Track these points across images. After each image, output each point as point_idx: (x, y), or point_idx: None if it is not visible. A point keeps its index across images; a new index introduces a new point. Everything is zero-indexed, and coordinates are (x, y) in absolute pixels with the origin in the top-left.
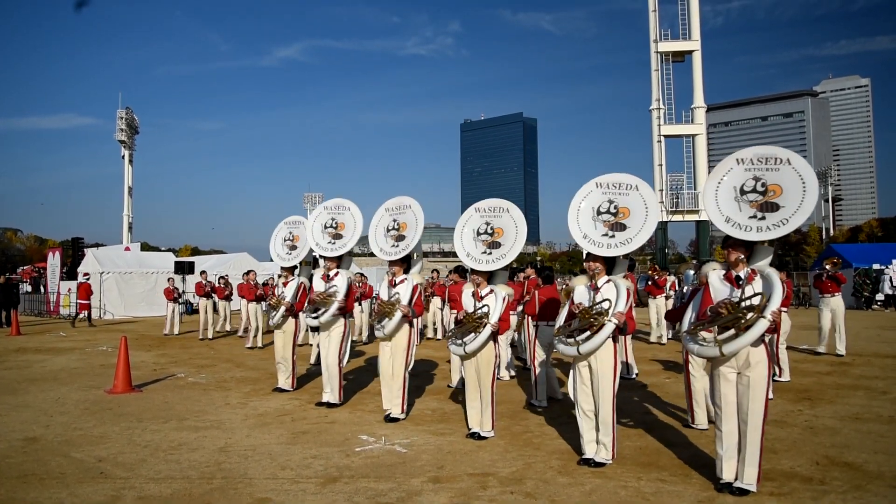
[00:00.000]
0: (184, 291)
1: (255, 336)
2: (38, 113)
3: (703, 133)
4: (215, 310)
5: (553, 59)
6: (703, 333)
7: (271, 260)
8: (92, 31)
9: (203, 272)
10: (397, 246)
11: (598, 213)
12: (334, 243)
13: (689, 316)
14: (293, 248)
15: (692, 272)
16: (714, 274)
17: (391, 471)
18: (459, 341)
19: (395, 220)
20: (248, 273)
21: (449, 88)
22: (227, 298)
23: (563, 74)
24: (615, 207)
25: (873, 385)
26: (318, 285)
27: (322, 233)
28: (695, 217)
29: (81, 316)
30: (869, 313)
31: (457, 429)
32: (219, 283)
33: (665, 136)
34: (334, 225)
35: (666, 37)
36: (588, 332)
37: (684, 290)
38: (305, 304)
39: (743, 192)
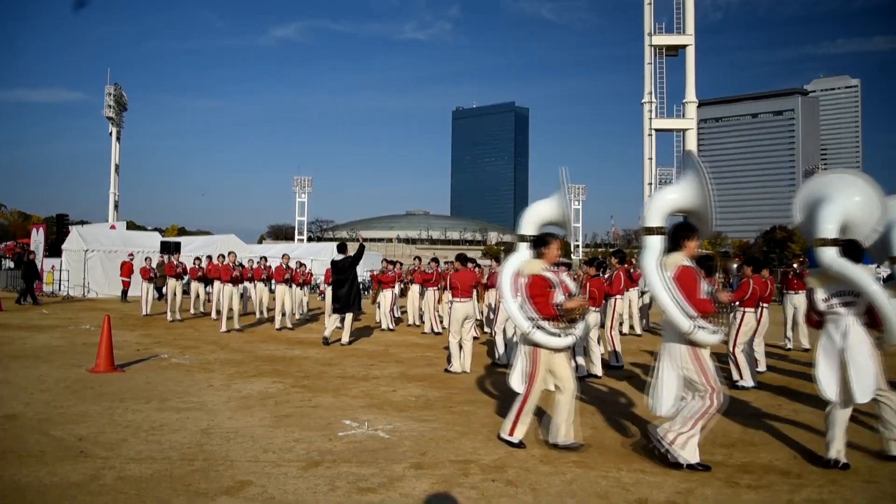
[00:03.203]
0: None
1: (231, 319)
2: (25, 85)
3: (694, 128)
4: (185, 291)
5: (549, 49)
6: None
7: (259, 242)
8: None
9: (176, 253)
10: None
11: None
12: None
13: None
14: None
15: None
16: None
17: (373, 456)
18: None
19: None
20: (227, 255)
21: (443, 74)
22: (201, 280)
23: (557, 65)
24: None
25: None
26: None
27: None
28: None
29: (127, 293)
30: None
31: (440, 416)
32: (194, 263)
33: (656, 130)
34: None
35: (660, 30)
36: None
37: None
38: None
39: None
